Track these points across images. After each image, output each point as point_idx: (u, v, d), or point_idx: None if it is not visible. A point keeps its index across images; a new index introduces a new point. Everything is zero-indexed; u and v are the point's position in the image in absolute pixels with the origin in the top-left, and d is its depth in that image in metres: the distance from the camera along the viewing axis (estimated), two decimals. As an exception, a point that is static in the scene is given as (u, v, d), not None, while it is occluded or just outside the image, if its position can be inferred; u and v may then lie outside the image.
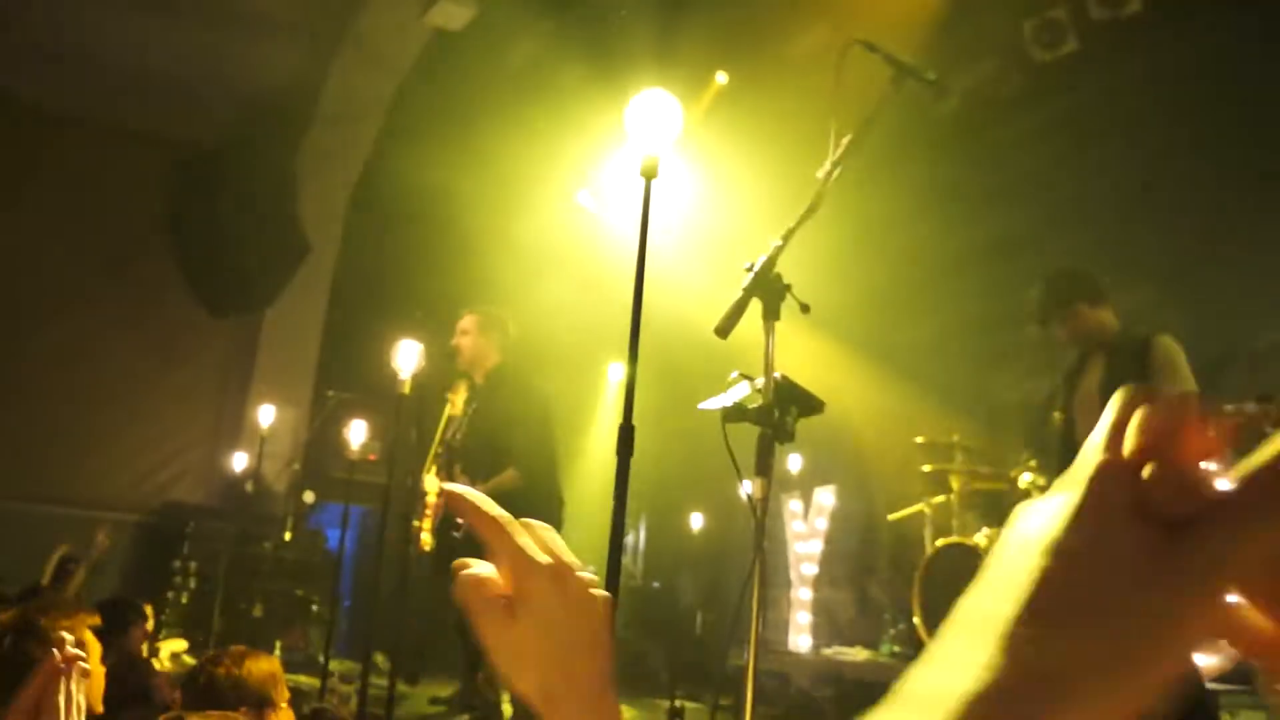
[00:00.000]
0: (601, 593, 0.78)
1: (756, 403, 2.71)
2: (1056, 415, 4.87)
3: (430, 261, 9.66)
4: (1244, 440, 0.46)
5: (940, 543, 7.00)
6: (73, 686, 1.61)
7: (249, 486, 8.77)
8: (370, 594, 6.05)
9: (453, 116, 9.52)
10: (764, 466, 2.64)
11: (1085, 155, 7.41)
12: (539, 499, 5.77)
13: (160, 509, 10.17)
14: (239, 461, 9.22)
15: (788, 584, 8.71)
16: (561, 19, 8.60)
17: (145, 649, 6.26)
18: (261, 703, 2.90)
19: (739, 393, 2.81)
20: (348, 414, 7.05)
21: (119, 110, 10.15)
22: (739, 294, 2.71)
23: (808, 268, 3.18)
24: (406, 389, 4.98)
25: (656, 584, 10.94)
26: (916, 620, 6.92)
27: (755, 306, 2.77)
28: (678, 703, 6.09)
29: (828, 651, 7.96)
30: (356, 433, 6.61)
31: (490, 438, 5.78)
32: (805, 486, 8.74)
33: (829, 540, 8.63)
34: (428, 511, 6.92)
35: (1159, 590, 0.43)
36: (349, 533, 7.73)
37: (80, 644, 2.72)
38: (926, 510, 7.42)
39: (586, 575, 0.78)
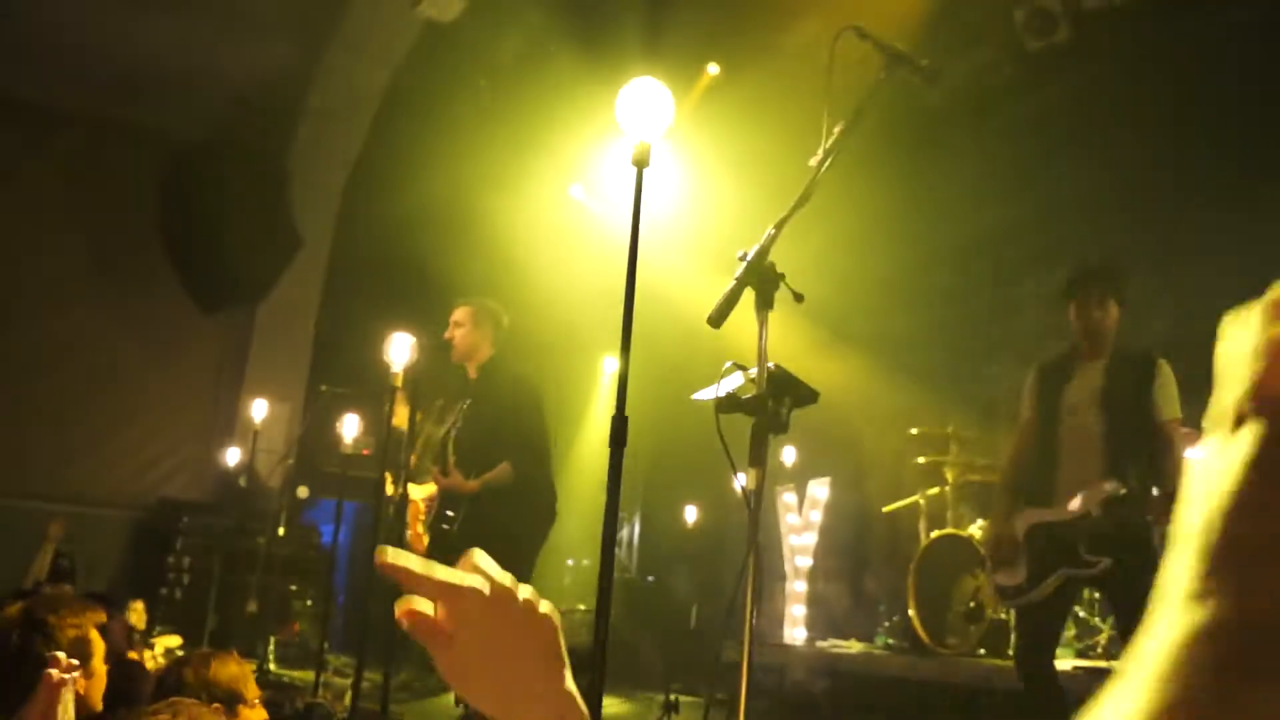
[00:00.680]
0: (548, 608, 0.81)
1: (750, 393, 2.69)
2: (1024, 414, 4.80)
3: (423, 255, 9.63)
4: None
5: (935, 535, 7.01)
6: (69, 698, 1.62)
7: (242, 482, 8.75)
8: (364, 589, 6.05)
9: (444, 109, 9.49)
10: (758, 457, 2.62)
11: (1078, 145, 7.40)
12: (532, 492, 5.76)
13: (153, 505, 10.15)
14: (232, 457, 9.19)
15: (782, 577, 8.70)
16: (552, 10, 8.57)
17: (135, 644, 6.24)
18: (232, 699, 2.88)
19: (732, 383, 2.79)
20: (341, 409, 7.04)
21: (109, 104, 10.12)
22: (732, 283, 2.69)
23: (801, 257, 3.16)
24: (399, 382, 4.97)
25: (651, 577, 10.93)
26: (911, 612, 6.92)
27: (748, 296, 2.75)
28: (673, 696, 6.08)
29: (823, 644, 7.95)
30: (350, 427, 6.60)
31: (484, 431, 5.77)
32: (800, 479, 8.73)
33: (824, 533, 8.62)
34: (420, 515, 6.89)
35: None
36: (342, 528, 7.72)
37: (86, 640, 2.70)
38: (921, 502, 7.42)
39: (527, 595, 0.80)
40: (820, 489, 8.67)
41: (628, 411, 2.68)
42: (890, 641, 7.52)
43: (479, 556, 0.82)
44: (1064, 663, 5.65)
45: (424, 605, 0.78)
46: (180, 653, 7.25)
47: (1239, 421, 0.43)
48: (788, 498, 8.84)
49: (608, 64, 7.67)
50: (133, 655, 4.87)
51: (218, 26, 9.46)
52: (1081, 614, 6.39)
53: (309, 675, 6.80)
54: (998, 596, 5.45)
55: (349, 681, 6.38)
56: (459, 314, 5.93)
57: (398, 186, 9.88)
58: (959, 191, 8.10)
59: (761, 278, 2.67)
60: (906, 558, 7.35)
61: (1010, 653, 6.38)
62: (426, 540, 7.18)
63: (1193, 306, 6.03)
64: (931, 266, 8.51)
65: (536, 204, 9.68)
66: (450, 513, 5.84)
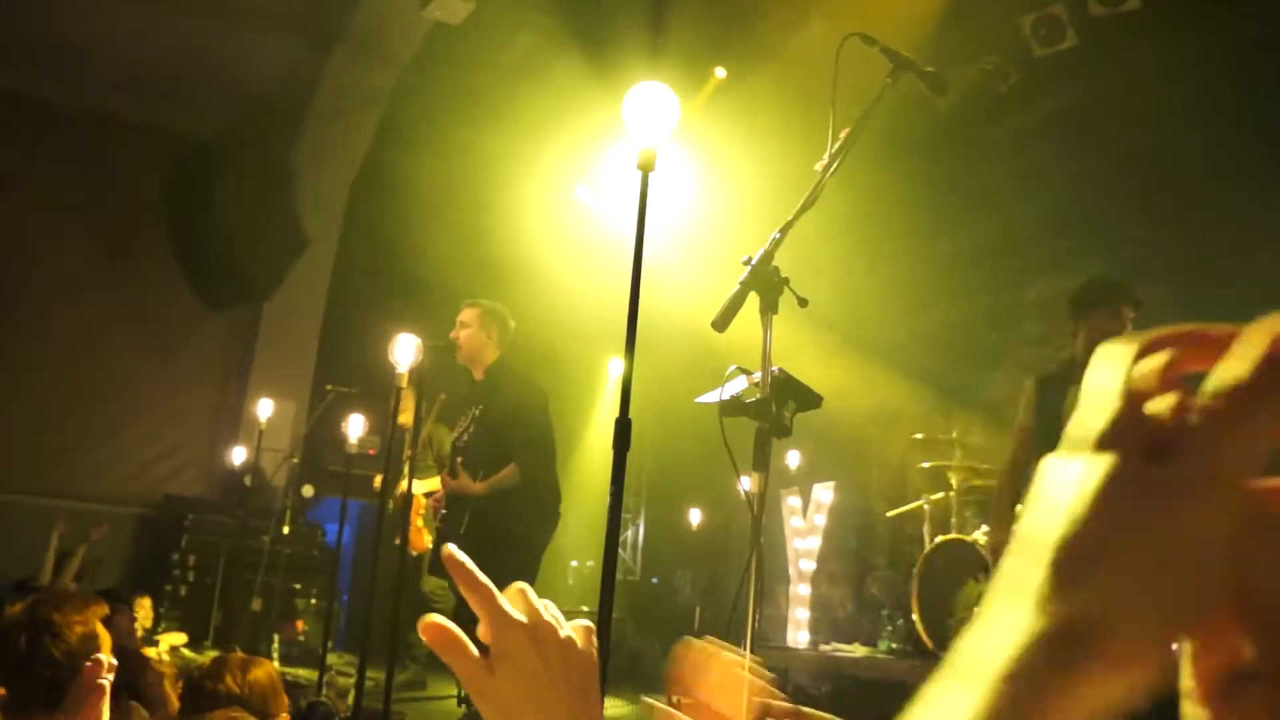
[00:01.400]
0: (585, 643, 0.84)
1: (754, 397, 2.70)
2: (1021, 422, 4.82)
3: (429, 255, 9.65)
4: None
5: (939, 539, 7.00)
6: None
7: (247, 480, 8.77)
8: (368, 588, 6.07)
9: (451, 110, 9.51)
10: (761, 461, 2.63)
11: (1084, 152, 7.40)
12: (537, 494, 5.77)
13: (159, 502, 10.17)
14: (237, 455, 9.22)
15: (786, 580, 8.70)
16: (560, 13, 8.58)
17: (141, 640, 6.26)
18: (264, 715, 2.90)
19: (736, 387, 2.80)
20: (346, 408, 7.05)
21: (117, 103, 10.14)
22: (736, 287, 2.69)
23: (806, 262, 3.17)
24: (404, 383, 4.98)
25: (655, 579, 10.94)
26: (915, 617, 6.92)
27: (753, 300, 2.76)
28: (675, 699, 6.08)
29: (826, 648, 7.95)
30: (355, 427, 6.61)
31: (490, 433, 5.78)
32: (804, 482, 8.73)
33: (827, 536, 8.62)
34: (421, 510, 6.93)
35: (1170, 515, 0.45)
36: (347, 527, 7.73)
37: (93, 636, 2.72)
38: (925, 507, 7.42)
39: (568, 632, 0.84)
40: (825, 492, 8.67)
41: (631, 414, 2.69)
42: (893, 645, 7.52)
43: (525, 591, 0.85)
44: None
45: (451, 626, 0.81)
46: (185, 650, 7.28)
47: (1097, 447, 0.47)
48: (792, 501, 8.84)
49: (614, 67, 7.68)
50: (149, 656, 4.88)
51: (226, 26, 9.48)
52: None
53: (312, 674, 6.81)
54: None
55: (352, 680, 6.40)
56: (465, 315, 5.94)
57: (404, 187, 9.90)
58: (965, 198, 8.11)
59: (766, 282, 2.68)
60: (910, 562, 7.34)
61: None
62: (427, 535, 7.21)
63: (1200, 315, 6.01)
64: (937, 272, 8.51)
65: (542, 205, 9.70)
66: (445, 511, 5.87)
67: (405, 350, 4.94)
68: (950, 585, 6.80)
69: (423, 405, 5.98)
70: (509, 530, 5.54)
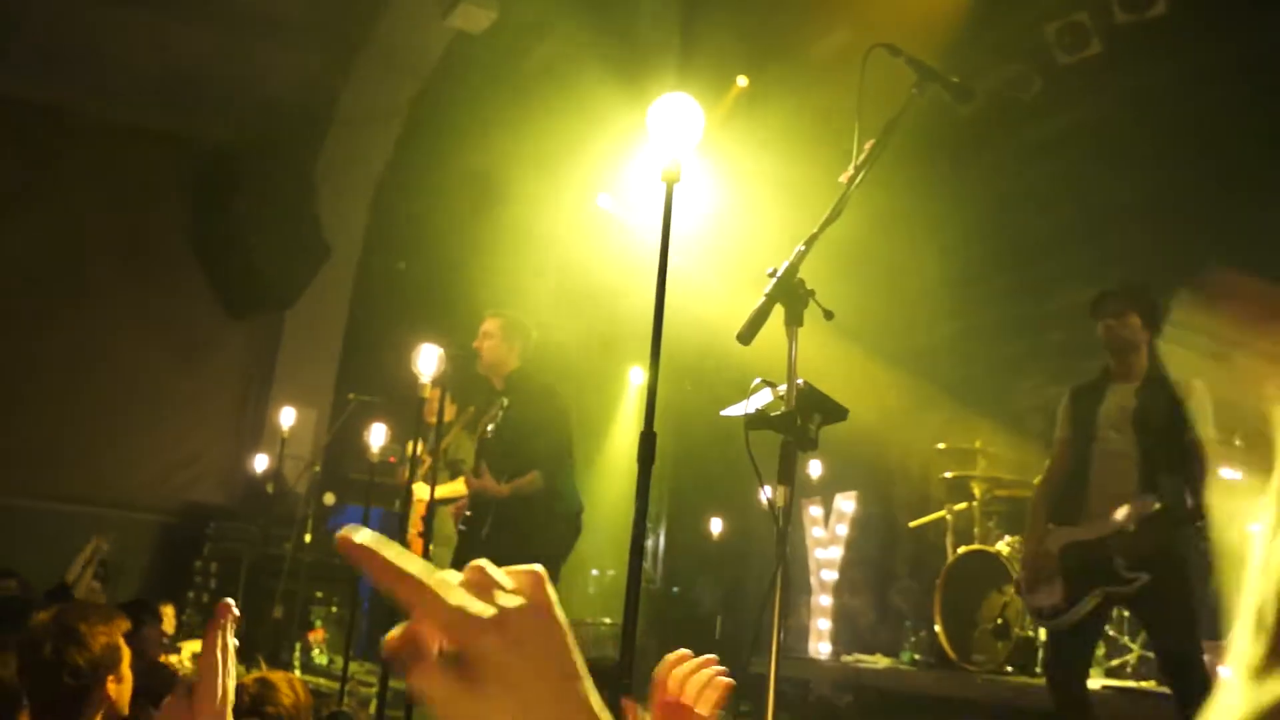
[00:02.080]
0: (543, 599, 0.68)
1: (779, 410, 2.68)
2: (1059, 435, 4.80)
3: (450, 263, 9.67)
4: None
5: (962, 550, 6.96)
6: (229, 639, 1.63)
7: (269, 488, 8.79)
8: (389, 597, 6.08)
9: (473, 119, 9.53)
10: (787, 475, 2.61)
11: (1109, 160, 7.34)
12: (558, 503, 5.77)
13: (181, 509, 10.21)
14: (259, 463, 9.24)
15: (808, 590, 8.67)
16: (581, 21, 8.59)
17: (164, 649, 6.27)
18: None
19: (761, 400, 2.78)
20: (368, 417, 7.06)
21: (140, 112, 10.20)
22: (761, 300, 2.68)
23: (829, 272, 3.15)
24: (427, 393, 4.98)
25: (675, 589, 10.91)
26: (938, 628, 6.88)
27: (777, 312, 2.75)
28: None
29: (848, 659, 7.91)
30: (377, 435, 6.62)
31: (511, 441, 5.78)
32: (826, 492, 8.70)
33: (849, 547, 8.58)
34: (422, 514, 6.84)
35: None
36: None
37: (116, 647, 2.74)
38: (948, 517, 7.38)
39: (519, 600, 0.66)
40: (846, 502, 8.63)
41: (654, 426, 2.67)
42: (916, 657, 7.48)
43: (480, 565, 0.69)
44: (1093, 682, 5.60)
45: (416, 638, 0.65)
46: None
47: None
48: (813, 511, 8.81)
49: (636, 74, 7.68)
50: (161, 659, 4.90)
51: (250, 35, 9.53)
52: (1111, 633, 6.33)
53: (333, 684, 6.82)
54: (1035, 618, 5.41)
55: (373, 689, 6.40)
56: (489, 325, 5.94)
57: (426, 195, 9.92)
58: (989, 206, 8.07)
59: (791, 294, 2.66)
60: (933, 572, 7.30)
61: (1039, 670, 6.34)
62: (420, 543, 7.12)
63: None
64: (960, 281, 8.47)
65: (564, 213, 9.70)
66: (469, 513, 5.85)
67: (428, 360, 4.95)
68: (974, 596, 6.76)
69: (443, 411, 6.00)
70: (530, 538, 5.54)
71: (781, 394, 2.70)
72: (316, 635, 8.86)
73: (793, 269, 2.69)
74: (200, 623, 8.70)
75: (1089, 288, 5.09)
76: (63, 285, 10.02)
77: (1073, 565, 4.44)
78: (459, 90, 9.63)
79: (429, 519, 5.68)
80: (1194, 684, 4.05)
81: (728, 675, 1.21)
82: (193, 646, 7.54)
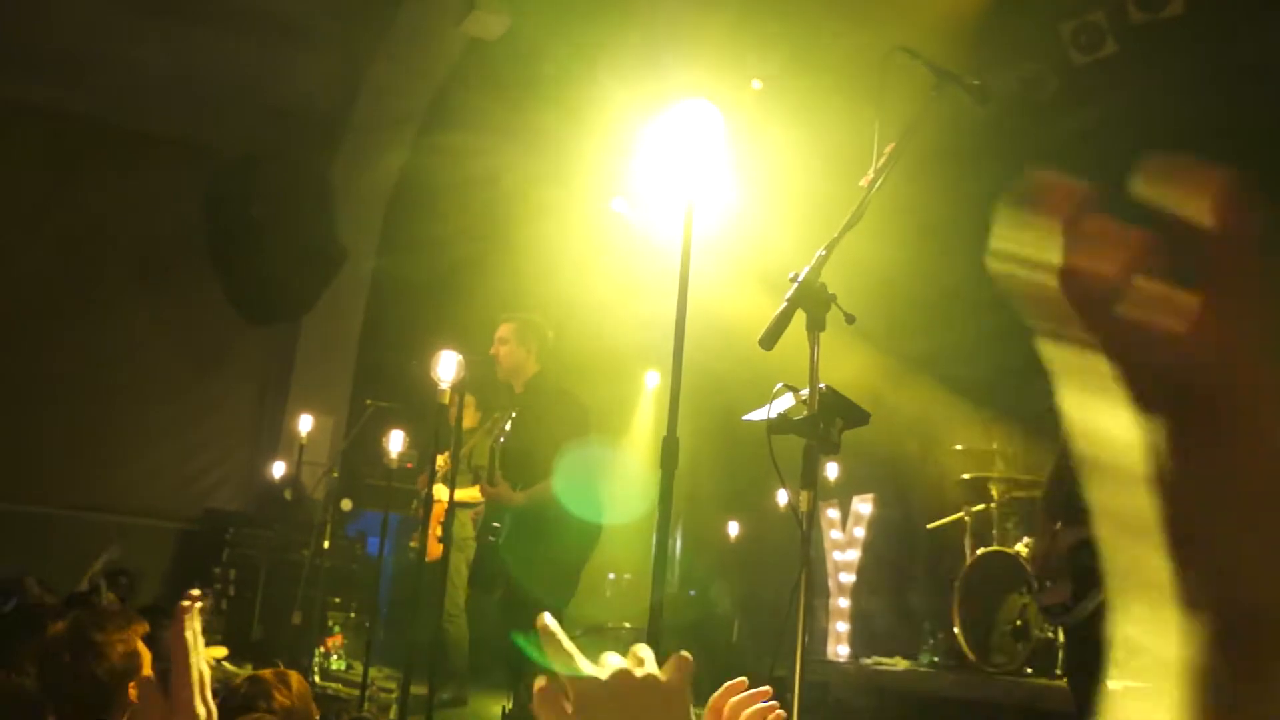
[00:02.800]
0: (674, 678, 0.87)
1: (801, 414, 2.68)
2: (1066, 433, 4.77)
3: (466, 268, 9.69)
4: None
5: (980, 552, 6.94)
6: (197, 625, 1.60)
7: (287, 494, 8.82)
8: (407, 603, 6.09)
9: (488, 124, 9.54)
10: (809, 479, 2.61)
11: (1126, 160, 7.30)
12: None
13: (199, 516, 10.25)
14: (277, 469, 9.27)
15: (826, 593, 8.65)
16: (596, 26, 8.60)
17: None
18: None
19: (783, 404, 2.79)
20: (386, 423, 7.08)
21: (155, 118, 10.26)
22: (783, 305, 2.68)
23: (844, 273, 3.15)
24: (446, 399, 4.99)
25: (692, 592, 10.91)
26: (956, 630, 6.86)
27: (798, 317, 2.74)
28: None
29: (867, 661, 7.90)
30: (395, 441, 6.64)
31: (529, 446, 5.78)
32: (843, 495, 8.68)
33: (867, 549, 8.57)
34: (441, 518, 6.82)
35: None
36: (387, 541, 7.73)
37: (135, 653, 2.74)
38: (966, 519, 7.35)
39: (650, 670, 0.86)
40: (864, 505, 8.62)
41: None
42: (935, 659, 7.45)
43: (643, 650, 0.89)
44: (1111, 683, 5.57)
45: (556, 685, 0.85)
46: (226, 664, 7.32)
47: (1139, 401, 0.43)
48: (831, 513, 8.80)
49: (649, 79, 7.68)
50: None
51: (264, 42, 9.58)
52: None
53: (352, 690, 6.83)
54: (1046, 616, 5.39)
55: (393, 695, 6.42)
56: (504, 330, 5.95)
57: (441, 200, 9.94)
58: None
59: (813, 299, 2.66)
60: (951, 574, 7.28)
61: (1059, 672, 6.32)
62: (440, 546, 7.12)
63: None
64: (975, 282, 8.42)
65: (579, 217, 9.71)
66: (496, 524, 5.85)
67: (447, 366, 4.96)
68: (992, 598, 6.74)
69: (463, 416, 6.01)
70: (549, 544, 5.54)
71: (803, 398, 2.70)
72: (335, 641, 8.88)
73: (814, 273, 2.69)
74: (220, 629, 8.74)
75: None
76: (81, 293, 10.07)
77: (1082, 563, 4.42)
78: (474, 96, 9.65)
79: (448, 523, 5.69)
80: None
81: (779, 707, 1.26)
82: (211, 653, 7.56)
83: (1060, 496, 4.74)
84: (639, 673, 0.85)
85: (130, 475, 10.13)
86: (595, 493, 5.93)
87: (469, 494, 6.41)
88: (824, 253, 2.73)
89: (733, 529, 10.15)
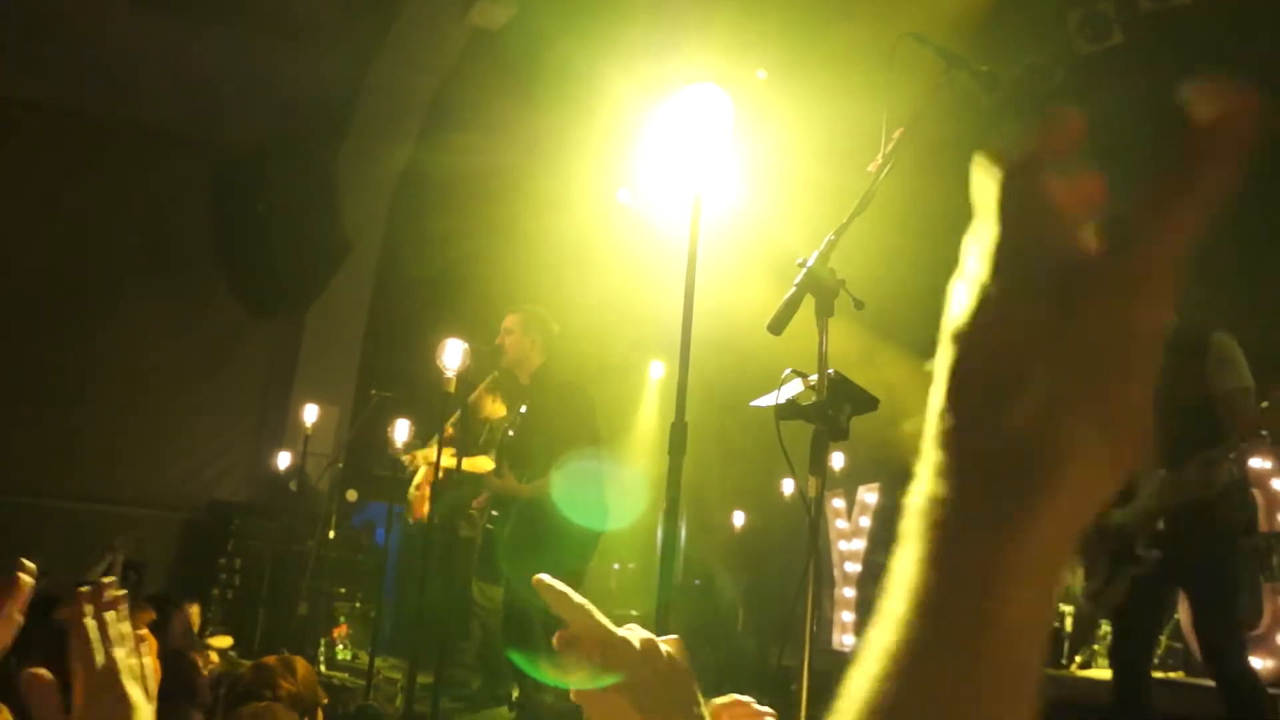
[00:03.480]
0: (684, 661, 0.91)
1: (810, 400, 2.67)
2: None
3: (471, 259, 9.68)
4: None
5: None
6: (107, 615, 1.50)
7: (292, 485, 8.82)
8: (414, 592, 6.10)
9: (493, 116, 9.53)
10: (818, 465, 2.60)
11: (1132, 149, 7.28)
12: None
13: (205, 507, 10.27)
14: (283, 460, 9.28)
15: (831, 582, 8.66)
16: (600, 16, 8.58)
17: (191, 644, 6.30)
18: (313, 708, 2.93)
19: (792, 390, 2.77)
20: (391, 413, 7.07)
21: (161, 114, 10.25)
22: (792, 290, 2.66)
23: (854, 262, 3.13)
24: (452, 388, 4.98)
25: (697, 581, 10.91)
26: (962, 619, 6.84)
27: (806, 303, 2.73)
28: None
29: (872, 651, 7.89)
30: (400, 431, 6.63)
31: (536, 437, 5.77)
32: (848, 484, 8.68)
33: (873, 538, 8.57)
34: (428, 480, 6.65)
35: (1117, 308, 0.42)
36: (392, 531, 7.75)
37: (141, 640, 2.73)
38: (971, 508, 7.33)
39: (669, 648, 0.90)
40: (870, 494, 8.62)
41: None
42: (940, 649, 7.44)
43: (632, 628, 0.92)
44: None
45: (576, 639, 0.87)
46: (233, 654, 7.34)
47: (1001, 255, 0.45)
48: (836, 503, 8.80)
49: (654, 69, 7.66)
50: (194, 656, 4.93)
51: (269, 36, 9.56)
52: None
53: (359, 680, 6.84)
54: (1090, 606, 5.31)
55: (399, 684, 6.42)
56: (509, 322, 5.94)
57: (446, 192, 9.93)
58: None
59: (822, 284, 2.65)
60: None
61: (1064, 661, 6.32)
62: (428, 505, 6.98)
63: (1252, 314, 5.91)
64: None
65: (584, 208, 9.69)
66: (496, 512, 5.85)
67: (453, 355, 4.95)
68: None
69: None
70: (547, 556, 5.53)
71: (812, 384, 2.69)
72: (340, 631, 8.90)
73: (823, 259, 2.68)
74: (226, 619, 8.76)
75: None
76: (87, 285, 10.07)
77: (1092, 546, 4.39)
78: (478, 87, 9.63)
79: (440, 487, 5.62)
80: (1229, 665, 4.00)
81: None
82: (217, 642, 7.59)
83: None
84: (664, 647, 0.89)
85: (136, 466, 10.14)
86: (596, 501, 5.88)
87: (481, 463, 6.33)
88: (833, 238, 2.72)
89: (738, 519, 10.15)
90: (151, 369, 10.30)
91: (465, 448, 5.88)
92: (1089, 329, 0.42)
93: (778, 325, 2.61)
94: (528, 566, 5.50)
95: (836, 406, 2.61)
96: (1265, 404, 4.10)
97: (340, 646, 8.76)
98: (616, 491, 6.08)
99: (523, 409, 5.93)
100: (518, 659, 5.65)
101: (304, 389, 10.31)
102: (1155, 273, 0.43)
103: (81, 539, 8.26)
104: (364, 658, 7.53)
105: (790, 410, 2.69)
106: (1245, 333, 4.32)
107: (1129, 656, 4.49)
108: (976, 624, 0.42)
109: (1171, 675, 6.11)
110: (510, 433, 5.92)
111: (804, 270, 2.65)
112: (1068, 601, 6.29)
